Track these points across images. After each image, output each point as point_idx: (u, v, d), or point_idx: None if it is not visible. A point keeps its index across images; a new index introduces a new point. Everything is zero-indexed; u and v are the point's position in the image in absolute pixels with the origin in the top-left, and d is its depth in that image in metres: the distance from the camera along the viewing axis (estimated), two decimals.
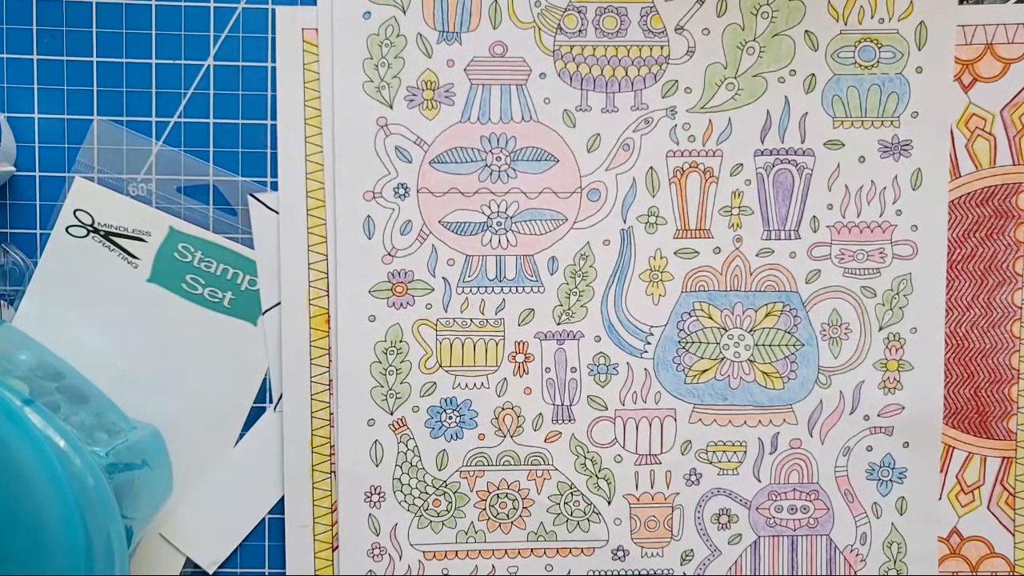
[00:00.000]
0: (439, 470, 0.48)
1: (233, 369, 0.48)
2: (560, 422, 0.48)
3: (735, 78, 0.48)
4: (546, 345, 0.48)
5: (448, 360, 0.48)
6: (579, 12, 0.47)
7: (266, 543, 0.49)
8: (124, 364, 0.47)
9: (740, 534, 0.49)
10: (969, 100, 0.48)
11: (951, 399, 0.49)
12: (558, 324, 0.48)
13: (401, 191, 0.47)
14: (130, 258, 0.47)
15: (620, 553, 0.49)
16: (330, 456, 0.48)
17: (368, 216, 0.47)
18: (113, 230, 0.47)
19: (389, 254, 0.47)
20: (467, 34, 0.47)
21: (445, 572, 0.49)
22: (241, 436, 0.48)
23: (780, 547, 0.50)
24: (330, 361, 0.48)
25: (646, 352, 0.48)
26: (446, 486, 0.49)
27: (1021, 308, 0.49)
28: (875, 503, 0.49)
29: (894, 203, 0.48)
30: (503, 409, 0.48)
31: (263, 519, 0.49)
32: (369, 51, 0.47)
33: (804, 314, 0.49)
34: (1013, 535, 0.50)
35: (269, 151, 0.48)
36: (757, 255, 0.48)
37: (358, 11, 0.46)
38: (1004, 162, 0.49)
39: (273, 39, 0.47)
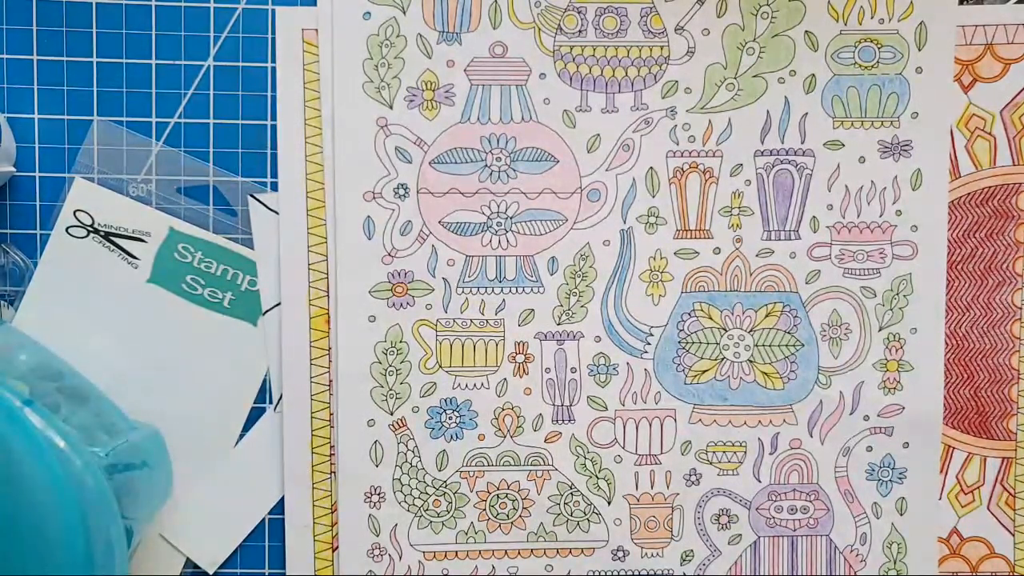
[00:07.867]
0: (439, 470, 0.48)
1: (233, 369, 0.48)
2: (560, 422, 0.48)
3: (735, 78, 0.48)
4: (546, 345, 0.48)
5: (448, 360, 0.48)
6: (579, 12, 0.47)
7: (266, 543, 0.49)
8: (124, 364, 0.47)
9: (740, 534, 0.49)
10: (969, 100, 0.48)
11: (951, 399, 0.49)
12: (558, 324, 0.48)
13: (401, 191, 0.47)
14: (130, 258, 0.47)
15: (620, 553, 0.49)
16: (330, 456, 0.48)
17: (368, 216, 0.47)
18: (113, 230, 0.47)
19: (389, 254, 0.47)
20: (467, 34, 0.47)
21: (445, 572, 0.49)
22: (241, 436, 0.48)
23: (780, 547, 0.50)
24: (330, 361, 0.48)
25: (646, 352, 0.48)
26: (446, 486, 0.48)
27: (1021, 308, 0.49)
28: (875, 503, 0.49)
29: (894, 203, 0.48)
30: (503, 409, 0.48)
31: (263, 519, 0.49)
32: (369, 52, 0.47)
33: (804, 314, 0.49)
34: (1013, 535, 0.50)
35: (269, 151, 0.48)
36: (757, 255, 0.48)
37: (358, 12, 0.46)
38: (1004, 162, 0.49)
39: (273, 39, 0.47)
